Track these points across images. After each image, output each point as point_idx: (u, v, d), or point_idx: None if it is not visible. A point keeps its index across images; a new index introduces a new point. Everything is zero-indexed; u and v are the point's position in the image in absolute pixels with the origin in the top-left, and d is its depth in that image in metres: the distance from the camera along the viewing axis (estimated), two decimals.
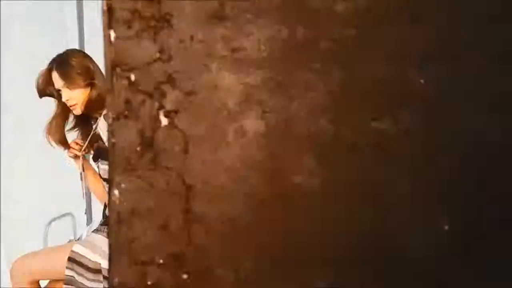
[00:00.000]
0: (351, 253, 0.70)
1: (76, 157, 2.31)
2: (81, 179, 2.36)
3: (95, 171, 2.37)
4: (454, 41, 0.68)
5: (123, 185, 0.67)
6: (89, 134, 2.26)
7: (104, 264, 2.13)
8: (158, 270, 0.68)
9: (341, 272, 0.70)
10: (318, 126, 0.66)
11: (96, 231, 2.26)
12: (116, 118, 0.66)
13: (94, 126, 2.23)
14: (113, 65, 0.65)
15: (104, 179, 2.23)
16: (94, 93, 2.09)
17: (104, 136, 2.08)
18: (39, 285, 2.32)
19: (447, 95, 0.68)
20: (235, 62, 0.65)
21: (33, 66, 3.27)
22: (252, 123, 0.66)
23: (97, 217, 3.42)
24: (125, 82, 0.65)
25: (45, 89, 2.13)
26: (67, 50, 2.19)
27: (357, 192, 0.68)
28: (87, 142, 2.26)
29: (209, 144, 0.67)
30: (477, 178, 0.69)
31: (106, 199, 2.35)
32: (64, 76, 2.06)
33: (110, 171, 0.67)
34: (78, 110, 2.10)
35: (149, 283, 0.69)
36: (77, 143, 2.28)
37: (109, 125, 0.66)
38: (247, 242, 0.69)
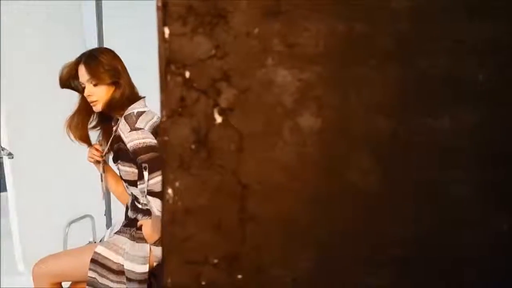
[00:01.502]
0: (406, 252, 0.69)
1: (96, 161, 2.31)
2: (101, 180, 2.35)
3: (116, 173, 2.37)
4: None
5: (176, 184, 0.66)
6: (110, 134, 2.26)
7: (127, 265, 2.12)
8: (212, 270, 0.67)
9: (397, 272, 0.69)
10: (375, 123, 0.65)
11: (119, 232, 2.25)
12: (170, 116, 0.65)
13: (114, 128, 2.22)
14: (167, 62, 0.64)
15: (125, 181, 2.22)
16: (118, 93, 2.08)
17: (125, 137, 2.07)
18: (62, 286, 2.32)
19: (506, 91, 0.66)
20: (291, 58, 0.64)
21: (50, 66, 3.28)
22: (308, 120, 0.65)
23: (117, 218, 3.42)
24: (180, 79, 0.64)
25: (68, 80, 2.12)
26: (99, 47, 2.19)
27: (414, 191, 0.67)
28: (108, 145, 2.26)
29: (264, 142, 0.65)
30: None
31: (127, 201, 2.34)
32: (91, 70, 2.05)
33: (163, 170, 0.66)
34: (98, 107, 2.10)
35: (203, 283, 0.68)
36: (97, 149, 2.27)
37: (162, 123, 0.65)
38: (303, 241, 0.68)
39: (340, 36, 0.64)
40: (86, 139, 2.24)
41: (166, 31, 0.63)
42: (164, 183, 0.66)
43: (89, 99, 2.08)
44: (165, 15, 0.63)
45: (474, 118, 0.66)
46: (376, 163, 0.66)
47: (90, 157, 2.27)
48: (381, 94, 0.65)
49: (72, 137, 2.20)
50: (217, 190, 0.66)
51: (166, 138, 0.65)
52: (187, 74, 0.64)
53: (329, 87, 0.65)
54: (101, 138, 2.33)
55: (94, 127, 2.25)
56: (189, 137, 0.65)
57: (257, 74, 0.64)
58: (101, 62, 2.05)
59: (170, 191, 0.66)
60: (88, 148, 2.29)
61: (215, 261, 0.67)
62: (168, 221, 0.67)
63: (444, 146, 0.66)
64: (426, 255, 0.68)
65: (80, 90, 2.12)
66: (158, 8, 0.63)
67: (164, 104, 0.65)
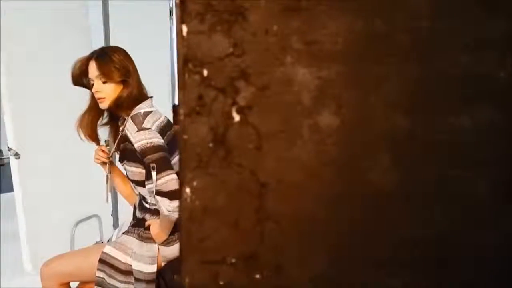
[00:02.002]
0: (426, 253, 0.68)
1: (103, 162, 2.31)
2: (107, 181, 2.35)
3: (123, 173, 2.37)
4: None
5: (194, 183, 0.66)
6: (117, 134, 2.26)
7: (135, 265, 2.12)
8: (230, 270, 0.67)
9: (417, 272, 0.68)
10: (394, 122, 0.64)
11: (127, 232, 2.25)
12: (188, 115, 0.64)
13: (121, 128, 2.22)
14: (185, 60, 0.63)
15: (132, 181, 2.22)
16: (126, 92, 2.08)
17: (132, 137, 2.07)
18: (70, 286, 2.32)
19: None
20: (310, 56, 0.63)
21: (56, 66, 3.28)
22: (327, 119, 0.64)
23: (124, 218, 3.42)
24: (198, 77, 0.64)
25: (81, 76, 2.13)
26: (111, 45, 2.19)
27: (433, 191, 0.66)
28: (114, 146, 2.26)
29: (283, 140, 0.65)
30: None
31: (134, 201, 2.34)
32: (101, 66, 2.06)
33: (181, 168, 0.66)
34: (104, 105, 2.10)
35: (221, 283, 0.67)
36: (103, 151, 2.28)
37: (180, 122, 0.65)
38: (322, 241, 0.67)
39: (359, 33, 0.63)
40: (95, 138, 2.24)
41: (184, 29, 0.63)
42: (182, 182, 0.66)
43: (96, 95, 2.08)
44: (183, 12, 0.62)
45: (494, 116, 0.65)
46: (396, 162, 0.65)
47: (96, 158, 2.28)
48: (400, 93, 0.64)
49: (82, 135, 2.20)
50: (235, 189, 0.66)
51: (185, 136, 0.64)
52: (205, 72, 0.64)
53: (348, 85, 0.64)
54: (108, 139, 2.33)
55: (104, 124, 2.26)
56: (207, 136, 0.65)
57: (276, 72, 0.64)
58: (112, 59, 2.05)
59: (188, 190, 0.66)
60: (95, 149, 2.29)
61: (233, 260, 0.67)
62: (186, 220, 0.66)
63: (465, 145, 0.65)
64: (447, 255, 0.68)
65: (90, 87, 2.13)
66: (176, 5, 0.63)
67: (182, 102, 0.64)
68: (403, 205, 0.66)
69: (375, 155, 0.65)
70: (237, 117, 0.65)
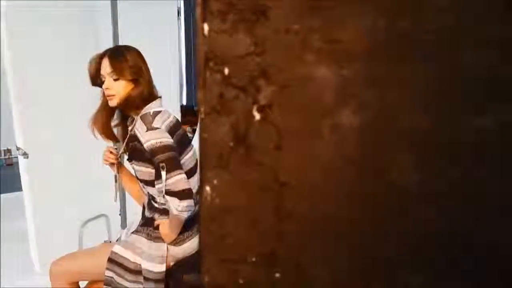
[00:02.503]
0: (443, 253, 0.68)
1: (111, 163, 2.32)
2: (115, 181, 2.36)
3: (131, 173, 2.37)
4: None
5: (215, 181, 0.66)
6: (126, 134, 2.27)
7: (144, 265, 2.12)
8: (250, 268, 0.67)
9: (441, 271, 0.68)
10: (416, 122, 0.64)
11: (136, 232, 2.26)
12: (208, 113, 0.64)
13: (130, 127, 2.23)
14: (206, 59, 0.64)
15: (141, 180, 2.22)
16: (136, 91, 2.09)
17: (141, 137, 2.07)
18: (79, 286, 2.33)
19: None
20: (331, 55, 0.63)
21: (64, 66, 3.29)
22: (348, 118, 0.64)
23: (133, 218, 3.43)
24: (218, 76, 0.64)
25: (98, 75, 2.13)
26: (125, 45, 2.20)
27: (457, 191, 0.66)
28: (123, 146, 2.27)
29: (303, 139, 0.65)
30: None
31: (143, 200, 2.35)
32: (114, 63, 2.06)
33: (201, 167, 0.66)
34: (114, 102, 2.10)
35: (240, 281, 0.67)
36: (111, 152, 2.28)
37: (201, 120, 0.65)
38: (342, 240, 0.67)
39: (381, 32, 0.63)
40: (110, 136, 2.25)
41: (206, 27, 0.63)
42: (202, 181, 0.66)
43: (106, 92, 2.09)
44: (205, 11, 0.63)
45: None
46: (417, 162, 0.65)
47: (105, 159, 2.28)
48: (423, 92, 0.64)
49: (96, 133, 2.21)
50: (255, 188, 0.66)
51: (205, 135, 0.64)
52: (226, 71, 0.64)
53: (370, 84, 0.64)
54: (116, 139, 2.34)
55: (116, 125, 2.27)
56: (228, 135, 0.65)
57: (297, 71, 0.64)
58: (125, 57, 2.06)
59: (208, 188, 0.66)
60: (103, 151, 2.30)
61: (253, 259, 0.67)
62: (206, 219, 0.66)
63: (489, 145, 0.65)
64: (472, 255, 0.67)
65: (101, 83, 2.13)
66: (197, 4, 0.63)
67: (202, 101, 0.64)
68: (426, 205, 0.66)
69: (397, 155, 0.65)
70: (257, 116, 0.65)
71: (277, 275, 0.67)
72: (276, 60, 0.64)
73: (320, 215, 0.66)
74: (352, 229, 0.67)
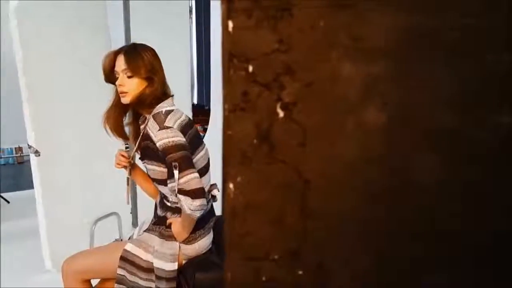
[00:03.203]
0: (468, 252, 0.67)
1: (123, 167, 2.32)
2: (127, 183, 2.35)
3: (145, 172, 2.37)
4: None
5: (238, 179, 0.65)
6: (138, 133, 2.27)
7: (156, 263, 2.13)
8: (273, 266, 0.67)
9: (456, 272, 0.68)
10: (441, 120, 0.64)
11: (148, 230, 2.26)
12: (232, 111, 0.64)
13: (142, 126, 2.23)
14: (230, 56, 0.63)
15: (153, 179, 2.22)
16: (149, 90, 2.09)
17: (154, 136, 2.07)
18: (91, 284, 2.33)
19: None
20: (356, 52, 0.63)
21: (76, 65, 3.30)
22: (373, 116, 0.64)
23: (143, 216, 3.44)
24: (243, 73, 0.64)
25: (112, 72, 2.13)
26: (140, 43, 2.19)
27: (478, 191, 0.66)
28: (136, 145, 2.27)
29: (328, 137, 0.65)
30: None
31: (157, 198, 2.35)
32: (129, 60, 2.06)
33: (224, 164, 0.66)
34: (126, 99, 2.10)
35: (263, 279, 0.67)
36: (123, 155, 2.28)
37: (225, 117, 0.65)
38: (365, 239, 0.67)
39: (407, 29, 0.63)
40: (121, 133, 2.25)
41: (230, 24, 0.63)
42: (225, 178, 0.66)
43: (119, 89, 2.09)
44: (229, 8, 0.62)
45: None
46: (442, 161, 0.65)
47: (117, 163, 2.28)
48: (447, 90, 0.64)
49: (108, 131, 2.21)
50: (278, 185, 0.66)
51: (229, 132, 0.64)
52: (250, 68, 0.64)
53: (395, 82, 0.64)
54: (127, 143, 2.33)
55: (128, 124, 2.27)
56: (252, 132, 0.65)
57: (321, 68, 0.63)
58: (141, 55, 2.07)
59: (231, 186, 0.66)
60: (115, 154, 2.30)
61: (276, 257, 0.67)
62: (229, 216, 0.66)
63: None
64: (496, 254, 0.67)
65: (115, 80, 2.13)
66: (222, 1, 0.63)
67: (226, 98, 0.64)
68: (450, 205, 0.65)
69: (421, 154, 0.65)
70: (281, 113, 0.64)
71: (300, 272, 0.67)
72: (300, 57, 0.64)
73: (343, 214, 0.66)
74: (375, 228, 0.67)
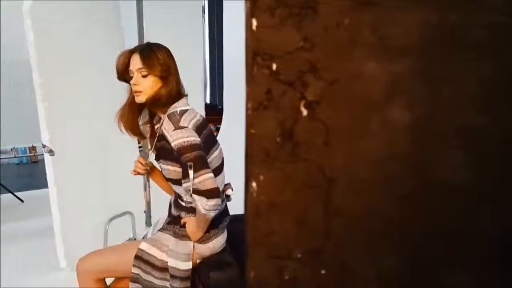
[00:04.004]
0: (493, 252, 0.67)
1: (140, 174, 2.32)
2: (145, 189, 2.35)
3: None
4: None
5: (261, 177, 0.65)
6: (154, 132, 2.27)
7: (171, 262, 2.13)
8: (296, 265, 0.67)
9: (482, 271, 0.67)
10: (467, 118, 0.63)
11: (162, 229, 2.26)
12: (256, 109, 0.64)
13: (157, 126, 2.23)
14: (254, 54, 0.63)
15: (168, 179, 2.22)
16: (164, 89, 2.09)
17: (169, 136, 2.07)
18: (105, 283, 2.34)
19: None
20: (381, 50, 0.63)
21: (90, 64, 3.32)
22: (397, 114, 0.64)
23: (156, 216, 3.45)
24: (266, 71, 0.63)
25: (125, 70, 2.13)
26: (155, 42, 2.19)
27: (504, 190, 0.65)
28: (151, 147, 2.27)
29: (352, 135, 0.64)
30: None
31: (172, 197, 2.35)
32: (145, 59, 2.06)
33: (247, 162, 0.66)
34: (140, 98, 2.10)
35: (286, 277, 0.67)
36: (141, 163, 2.28)
37: (248, 116, 0.65)
38: (389, 239, 0.66)
39: (432, 27, 0.62)
40: (136, 132, 2.25)
41: (254, 22, 0.63)
42: (248, 176, 0.66)
43: (133, 88, 2.08)
44: (253, 6, 0.62)
45: None
46: (468, 160, 0.64)
47: (134, 170, 2.28)
48: (473, 88, 0.63)
49: (122, 128, 2.21)
50: (302, 184, 0.65)
51: (252, 131, 0.64)
52: (274, 66, 0.63)
53: (420, 80, 0.63)
54: (143, 149, 2.33)
55: (144, 123, 2.26)
56: (275, 130, 0.64)
57: (346, 66, 0.63)
58: (156, 54, 2.07)
59: (254, 184, 0.65)
60: (134, 161, 2.30)
61: (299, 255, 0.67)
62: (252, 214, 0.66)
63: None
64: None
65: (129, 79, 2.13)
66: (246, 0, 0.63)
67: (250, 96, 0.64)
68: (478, 204, 0.65)
69: (449, 152, 0.64)
70: (305, 112, 0.64)
71: (323, 271, 0.67)
72: (325, 56, 0.63)
73: (368, 213, 0.66)
74: (400, 227, 0.66)
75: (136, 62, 2.07)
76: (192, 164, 1.97)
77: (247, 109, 0.65)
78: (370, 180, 0.65)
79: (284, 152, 0.65)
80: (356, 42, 0.63)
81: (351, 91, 0.63)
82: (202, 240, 2.16)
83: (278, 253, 0.66)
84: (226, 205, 2.32)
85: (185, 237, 2.17)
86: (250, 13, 0.63)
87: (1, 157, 7.69)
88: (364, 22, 0.62)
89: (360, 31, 0.62)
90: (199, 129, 2.09)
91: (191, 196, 2.01)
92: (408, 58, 0.63)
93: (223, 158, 2.27)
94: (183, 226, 2.18)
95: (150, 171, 2.35)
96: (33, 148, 7.77)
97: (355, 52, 0.63)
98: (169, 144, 2.04)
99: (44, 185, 3.41)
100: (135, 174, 2.30)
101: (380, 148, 0.64)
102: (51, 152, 3.21)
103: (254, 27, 0.63)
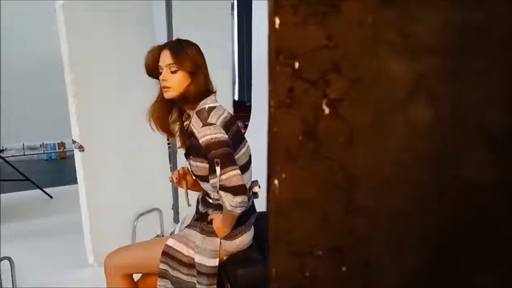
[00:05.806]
0: None
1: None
2: (186, 194, 2.37)
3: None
4: None
5: (283, 175, 0.66)
6: (183, 129, 2.28)
7: (198, 259, 2.14)
8: (317, 262, 0.67)
9: (505, 272, 0.66)
10: (491, 118, 0.62)
11: (190, 226, 2.28)
12: (278, 107, 0.64)
13: (186, 123, 2.25)
14: (277, 52, 0.64)
15: (196, 176, 2.23)
16: (193, 86, 2.10)
17: (197, 133, 2.08)
18: (133, 278, 2.37)
19: None
20: (405, 48, 0.62)
21: (120, 62, 3.35)
22: (421, 113, 0.63)
23: (184, 212, 3.48)
24: (289, 69, 0.64)
25: (154, 66, 2.15)
26: (185, 39, 2.21)
27: None
28: (181, 144, 2.29)
29: (374, 134, 0.64)
30: None
31: (200, 195, 2.37)
32: (175, 55, 2.08)
33: (270, 160, 0.66)
34: (169, 94, 2.12)
35: (307, 274, 0.67)
36: (179, 172, 2.32)
37: (270, 114, 0.65)
38: (412, 237, 0.66)
39: (456, 26, 0.62)
40: (166, 129, 2.27)
41: (277, 20, 0.63)
42: (270, 174, 0.66)
43: (162, 84, 2.10)
44: (276, 4, 0.63)
45: None
46: (492, 159, 0.63)
47: (170, 177, 2.32)
48: (497, 87, 0.62)
49: (152, 125, 2.24)
50: (324, 182, 0.65)
51: (275, 129, 0.64)
52: (297, 64, 0.64)
53: (444, 79, 0.63)
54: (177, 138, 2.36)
55: (173, 121, 2.28)
56: (297, 129, 0.65)
57: (369, 65, 0.63)
58: (186, 50, 2.09)
59: (276, 182, 0.66)
60: (173, 171, 2.33)
61: (320, 252, 0.67)
62: (274, 212, 0.66)
63: None
64: None
65: (159, 75, 2.15)
66: None
67: (272, 94, 0.64)
68: (499, 202, 0.64)
69: (473, 151, 0.63)
70: (327, 110, 0.64)
71: (344, 268, 0.67)
72: (348, 54, 0.63)
73: (390, 211, 0.65)
74: (422, 226, 0.66)
75: (165, 58, 2.09)
76: (219, 161, 1.98)
77: (269, 107, 0.65)
78: (393, 179, 0.64)
79: (307, 150, 0.65)
80: (380, 40, 0.62)
81: (374, 89, 0.63)
82: (228, 237, 2.18)
83: (299, 250, 0.67)
84: (253, 202, 2.33)
85: (212, 233, 2.18)
86: (273, 11, 0.63)
87: (30, 153, 7.83)
88: (387, 21, 0.62)
89: (383, 30, 0.62)
90: (227, 126, 2.10)
91: (218, 192, 2.02)
92: (432, 56, 0.62)
93: (250, 155, 2.27)
94: (210, 222, 2.20)
95: (187, 178, 2.37)
96: (62, 144, 7.90)
97: (378, 50, 0.63)
98: (197, 140, 2.06)
99: (73, 181, 3.47)
100: (172, 181, 2.35)
101: (403, 146, 0.64)
102: (81, 148, 3.26)
103: (277, 25, 0.63)
